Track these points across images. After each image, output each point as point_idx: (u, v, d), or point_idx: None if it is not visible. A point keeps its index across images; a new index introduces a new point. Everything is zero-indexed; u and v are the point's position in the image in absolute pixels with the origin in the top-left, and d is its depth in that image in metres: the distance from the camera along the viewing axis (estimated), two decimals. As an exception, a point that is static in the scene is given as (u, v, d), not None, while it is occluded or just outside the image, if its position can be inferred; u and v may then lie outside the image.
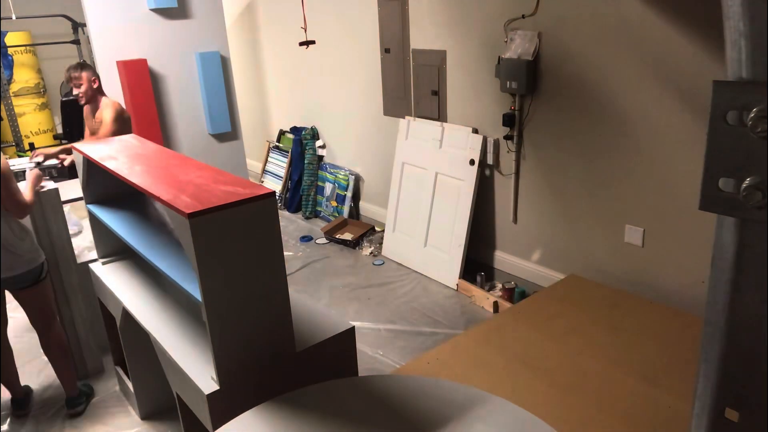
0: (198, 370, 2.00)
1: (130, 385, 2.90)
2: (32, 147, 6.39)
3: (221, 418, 1.86)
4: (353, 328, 2.25)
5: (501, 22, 3.55)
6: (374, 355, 3.31)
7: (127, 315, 2.54)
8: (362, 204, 5.27)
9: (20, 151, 7.27)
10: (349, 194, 5.20)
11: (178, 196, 1.88)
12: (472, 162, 3.88)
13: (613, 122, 3.18)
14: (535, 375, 2.55)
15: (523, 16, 3.42)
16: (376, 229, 5.00)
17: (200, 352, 2.09)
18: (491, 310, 3.64)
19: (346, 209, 5.21)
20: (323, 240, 4.96)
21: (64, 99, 7.62)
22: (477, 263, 4.10)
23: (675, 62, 2.84)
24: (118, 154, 2.52)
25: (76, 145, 2.78)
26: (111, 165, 2.37)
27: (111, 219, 2.68)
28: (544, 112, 3.51)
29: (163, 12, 4.85)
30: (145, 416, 2.91)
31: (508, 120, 3.64)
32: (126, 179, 2.19)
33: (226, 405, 1.92)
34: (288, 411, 1.82)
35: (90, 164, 2.68)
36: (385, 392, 1.88)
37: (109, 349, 3.10)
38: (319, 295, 4.06)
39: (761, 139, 0.68)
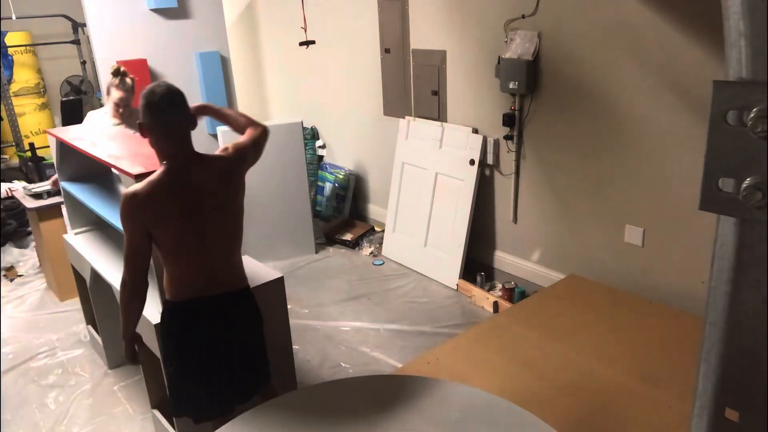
0: (152, 313, 2.25)
1: (99, 339, 3.29)
2: (32, 147, 6.38)
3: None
4: (281, 277, 2.51)
5: (501, 22, 3.55)
6: (374, 355, 3.31)
7: (95, 275, 2.85)
8: (362, 204, 5.27)
9: (20, 151, 7.27)
10: (349, 194, 5.20)
11: (128, 163, 2.13)
12: (472, 162, 3.88)
13: (613, 122, 3.18)
14: (535, 375, 2.55)
15: (523, 16, 3.42)
16: (376, 229, 4.99)
17: (155, 300, 2.23)
18: (491, 310, 3.64)
19: (346, 209, 5.21)
20: (323, 240, 4.96)
21: (64, 99, 7.62)
22: (477, 263, 4.10)
23: (675, 62, 2.84)
24: (86, 136, 2.83)
25: (50, 129, 3.09)
26: (79, 144, 2.62)
27: (82, 193, 2.96)
28: (544, 112, 3.51)
29: (163, 12, 4.84)
30: (114, 365, 3.31)
31: (508, 120, 3.63)
32: (86, 152, 2.46)
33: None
34: (287, 411, 1.82)
35: (63, 146, 3.00)
36: (386, 392, 1.88)
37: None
38: (319, 295, 4.06)
39: (761, 139, 0.68)
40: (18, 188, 4.26)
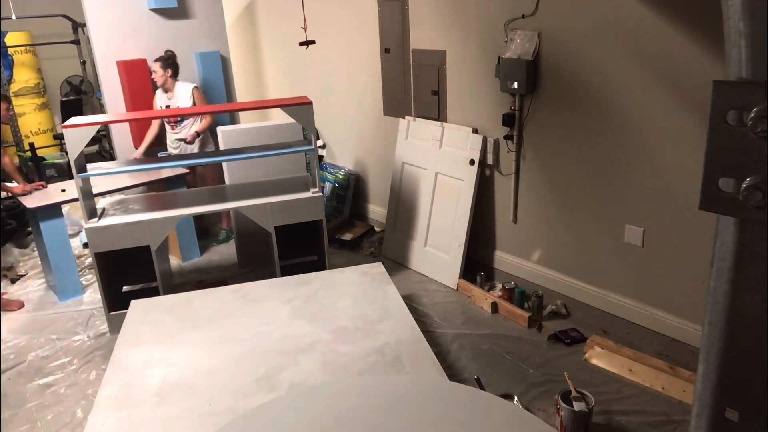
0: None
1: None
2: (32, 147, 6.39)
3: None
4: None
5: (501, 22, 3.55)
6: (374, 355, 3.31)
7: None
8: (362, 204, 5.27)
9: (20, 151, 7.27)
10: (349, 194, 5.20)
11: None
12: (472, 162, 3.88)
13: (613, 122, 3.18)
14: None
15: (523, 16, 3.42)
16: (376, 229, 4.99)
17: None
18: (489, 310, 3.64)
19: (346, 209, 5.21)
20: (323, 240, 4.95)
21: (64, 99, 7.62)
22: (477, 263, 4.10)
23: (675, 62, 2.84)
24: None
25: None
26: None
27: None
28: (544, 112, 3.51)
29: (163, 12, 4.85)
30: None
31: (508, 120, 3.63)
32: None
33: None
34: (287, 411, 1.82)
35: None
36: (386, 392, 1.87)
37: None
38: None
39: (761, 139, 0.68)
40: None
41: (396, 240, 4.50)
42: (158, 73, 4.46)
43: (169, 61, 4.48)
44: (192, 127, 4.56)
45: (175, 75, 4.52)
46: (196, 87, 4.55)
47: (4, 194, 4.15)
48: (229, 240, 4.92)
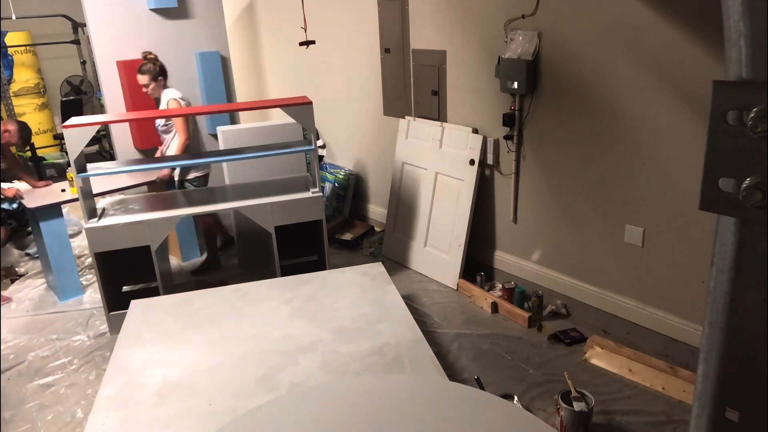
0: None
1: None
2: (32, 147, 6.39)
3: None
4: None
5: (501, 22, 3.55)
6: (374, 355, 3.30)
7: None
8: (362, 204, 5.27)
9: (20, 152, 7.27)
10: (349, 194, 5.20)
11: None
12: (472, 162, 3.88)
13: (613, 122, 3.18)
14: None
15: (523, 16, 3.42)
16: (376, 229, 4.99)
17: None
18: (489, 310, 3.64)
19: (346, 209, 5.21)
20: (323, 240, 4.95)
21: (64, 99, 7.63)
22: (477, 263, 4.10)
23: (675, 62, 2.84)
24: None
25: None
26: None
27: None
28: (544, 112, 3.51)
29: (163, 12, 4.84)
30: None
31: (508, 120, 3.64)
32: None
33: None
34: (287, 411, 1.81)
35: None
36: (385, 392, 1.87)
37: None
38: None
39: (761, 139, 0.68)
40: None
41: (396, 240, 4.50)
42: (143, 84, 4.05)
43: (143, 68, 4.05)
44: (171, 143, 4.14)
45: (154, 80, 4.05)
46: (174, 99, 4.03)
47: (5, 190, 4.14)
48: (215, 266, 4.58)
